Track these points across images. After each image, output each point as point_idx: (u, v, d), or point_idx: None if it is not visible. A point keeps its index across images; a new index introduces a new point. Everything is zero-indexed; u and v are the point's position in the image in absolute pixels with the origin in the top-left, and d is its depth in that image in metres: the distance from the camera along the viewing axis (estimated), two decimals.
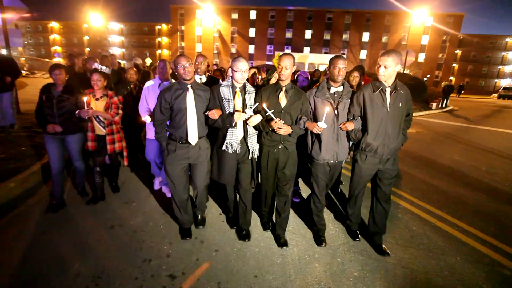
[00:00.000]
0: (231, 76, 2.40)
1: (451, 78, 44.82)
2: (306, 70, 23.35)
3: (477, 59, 48.08)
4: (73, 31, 57.68)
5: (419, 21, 41.47)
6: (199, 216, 2.93)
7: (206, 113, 2.39)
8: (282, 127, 2.24)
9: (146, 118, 3.16)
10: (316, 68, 9.99)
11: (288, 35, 44.83)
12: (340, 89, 2.45)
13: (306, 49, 43.82)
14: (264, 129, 2.40)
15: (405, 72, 12.80)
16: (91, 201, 3.27)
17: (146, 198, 3.49)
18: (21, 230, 2.71)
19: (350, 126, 2.39)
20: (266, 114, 2.30)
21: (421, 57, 43.82)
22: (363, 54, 44.14)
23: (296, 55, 34.02)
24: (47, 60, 36.92)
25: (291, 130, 2.31)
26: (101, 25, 51.62)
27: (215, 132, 2.54)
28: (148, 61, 14.52)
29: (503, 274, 2.39)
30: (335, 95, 2.44)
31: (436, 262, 2.49)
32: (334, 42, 44.15)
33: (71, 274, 2.17)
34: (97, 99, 3.05)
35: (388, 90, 2.30)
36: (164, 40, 56.06)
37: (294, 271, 2.33)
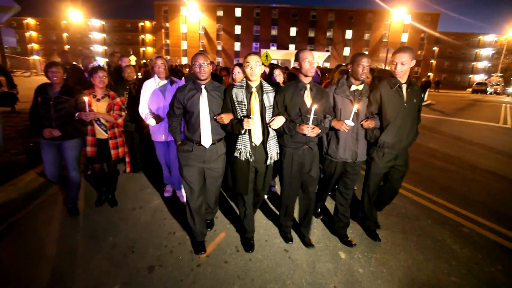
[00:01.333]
0: (245, 76, 2.27)
1: (429, 74, 47.10)
2: (292, 67, 23.76)
3: (453, 56, 50.61)
4: (51, 28, 55.49)
5: (398, 19, 43.17)
6: (208, 220, 2.82)
7: (214, 117, 2.23)
8: (314, 131, 2.12)
9: (151, 121, 2.98)
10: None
11: (274, 32, 45.36)
12: (361, 87, 2.37)
13: (292, 46, 44.52)
14: (290, 132, 2.22)
15: (386, 68, 13.56)
16: (98, 203, 3.17)
17: (159, 188, 3.81)
18: (50, 215, 3.01)
19: (373, 123, 2.32)
20: (307, 116, 2.13)
21: None
22: (346, 51, 45.35)
23: (282, 52, 34.57)
24: (26, 58, 35.51)
25: (320, 131, 2.19)
26: (81, 21, 50.10)
27: (233, 135, 2.36)
28: (133, 58, 14.38)
29: (463, 231, 2.97)
30: (355, 93, 2.36)
31: (411, 225, 3.04)
32: (318, 40, 45.11)
33: (108, 245, 2.53)
34: (98, 100, 2.81)
35: (404, 86, 2.32)
36: (148, 37, 55.06)
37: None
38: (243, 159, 2.25)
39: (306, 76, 2.22)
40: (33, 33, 56.69)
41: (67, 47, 54.96)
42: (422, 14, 44.52)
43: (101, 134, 2.88)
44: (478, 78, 47.77)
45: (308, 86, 2.25)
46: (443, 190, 3.99)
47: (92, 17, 55.25)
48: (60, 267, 2.26)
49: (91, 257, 2.37)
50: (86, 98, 2.56)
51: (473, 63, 51.42)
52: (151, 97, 3.06)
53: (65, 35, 55.10)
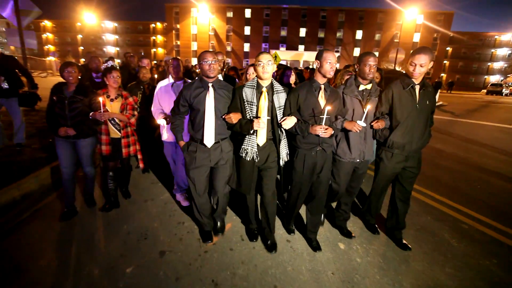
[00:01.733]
0: (256, 76, 2.25)
1: (442, 74, 46.15)
2: (301, 67, 23.82)
3: (467, 56, 49.32)
4: (66, 30, 57.24)
5: (410, 19, 42.47)
6: (218, 223, 2.77)
7: (223, 116, 2.24)
8: (327, 132, 2.10)
9: (161, 121, 3.01)
10: (309, 66, 10.51)
11: (283, 33, 45.39)
12: (369, 86, 2.37)
13: (301, 47, 44.47)
14: (302, 133, 2.20)
15: (396, 69, 13.49)
16: (104, 209, 3.10)
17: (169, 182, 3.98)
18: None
19: (383, 124, 2.31)
20: (320, 117, 2.12)
21: None
22: (356, 52, 44.94)
23: (291, 53, 34.67)
24: (42, 59, 36.84)
25: (333, 132, 2.16)
26: (95, 23, 51.54)
27: (239, 134, 2.35)
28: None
29: (462, 227, 3.04)
30: (364, 93, 2.36)
31: (411, 221, 3.12)
32: (328, 40, 44.87)
33: (123, 233, 2.74)
34: (111, 100, 2.88)
35: (417, 87, 2.29)
36: (159, 38, 56.09)
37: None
38: (249, 159, 2.25)
39: (324, 76, 2.19)
40: (49, 35, 58.64)
41: (81, 48, 56.69)
42: (435, 14, 43.66)
43: (115, 133, 2.95)
44: (494, 79, 46.44)
45: (322, 86, 2.22)
46: (446, 189, 4.05)
47: (105, 19, 56.73)
48: (79, 248, 2.48)
49: (107, 242, 2.59)
50: (100, 99, 2.64)
51: (488, 64, 49.94)
52: (164, 97, 3.09)
53: (79, 36, 56.74)
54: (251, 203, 2.59)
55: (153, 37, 56.42)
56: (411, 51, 2.28)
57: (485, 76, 49.65)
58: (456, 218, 3.23)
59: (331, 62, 2.13)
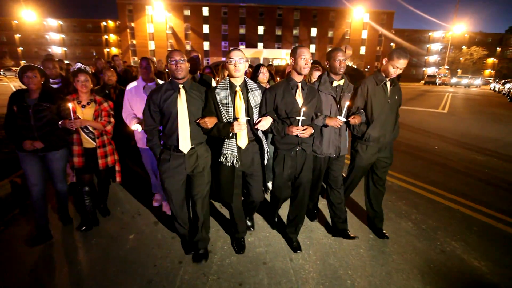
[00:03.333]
0: (228, 75, 2.13)
1: None
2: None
3: (408, 51, 54.94)
4: (0, 28, 51.23)
5: (358, 18, 46.19)
6: (201, 250, 2.38)
7: (197, 121, 2.08)
8: (305, 132, 2.06)
9: (136, 127, 2.74)
10: (270, 63, 11.32)
11: (242, 31, 46.18)
12: (342, 82, 2.41)
13: (260, 45, 45.66)
14: (279, 134, 2.16)
15: (348, 64, 14.95)
16: (82, 227, 2.77)
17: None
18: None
19: (359, 119, 2.37)
20: (297, 119, 2.07)
21: (362, 50, 48.79)
22: (312, 48, 47.49)
23: (251, 50, 35.43)
24: None
25: (313, 131, 2.14)
26: (35, 21, 46.87)
27: (216, 139, 2.21)
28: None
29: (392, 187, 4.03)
30: (337, 89, 2.41)
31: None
32: (285, 38, 46.71)
33: (118, 213, 3.17)
34: (83, 106, 2.58)
35: (388, 83, 2.42)
36: (112, 37, 52.99)
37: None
38: (229, 164, 2.13)
39: (299, 74, 2.14)
40: None
41: (20, 49, 51.18)
42: (379, 13, 48.00)
43: (89, 142, 2.65)
44: (430, 71, 52.59)
45: (299, 84, 2.17)
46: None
47: (47, 17, 51.91)
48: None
49: (106, 220, 2.99)
50: (70, 105, 2.39)
51: (425, 57, 56.43)
52: (136, 100, 2.81)
53: (17, 36, 51.17)
54: (238, 211, 2.38)
55: (105, 36, 53.13)
56: (394, 53, 2.30)
57: (424, 69, 55.98)
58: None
59: (306, 58, 2.08)
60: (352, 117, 2.35)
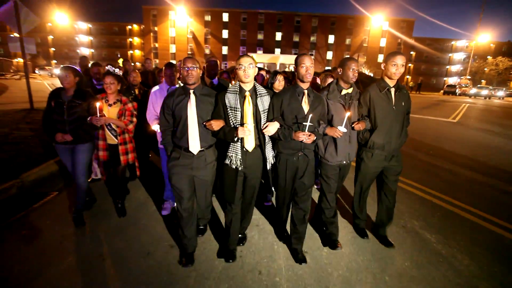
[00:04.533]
0: (238, 80, 2.20)
1: (407, 76, 50.03)
2: (277, 69, 25.19)
3: (428, 60, 53.93)
4: (36, 30, 54.80)
5: (377, 26, 45.98)
6: (200, 225, 2.73)
7: (204, 123, 2.17)
8: (310, 138, 2.10)
9: (156, 127, 2.85)
10: (284, 69, 11.67)
11: (260, 37, 47.18)
12: (350, 90, 2.42)
13: (277, 50, 46.44)
14: (285, 139, 2.19)
15: (364, 71, 15.12)
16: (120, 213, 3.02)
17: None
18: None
19: (363, 125, 2.37)
20: (304, 124, 2.11)
21: (380, 58, 48.36)
22: (329, 55, 47.68)
23: (268, 56, 36.25)
24: (7, 59, 35.16)
25: (316, 138, 2.16)
26: (67, 24, 50.12)
27: (224, 141, 2.27)
28: (121, 61, 14.69)
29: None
30: (346, 97, 2.41)
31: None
32: (302, 44, 47.22)
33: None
34: (110, 105, 2.81)
35: (392, 90, 2.40)
36: (136, 40, 55.60)
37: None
38: (233, 166, 2.21)
39: (302, 81, 2.19)
40: (16, 35, 56.05)
41: (52, 49, 54.80)
42: (399, 21, 47.51)
43: (112, 139, 2.88)
44: (452, 80, 51.16)
45: (306, 91, 2.22)
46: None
47: (78, 20, 55.35)
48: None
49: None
50: (98, 103, 2.60)
51: (447, 67, 55.01)
52: (159, 103, 2.89)
53: (50, 37, 54.86)
54: (236, 215, 2.36)
55: (130, 39, 55.80)
56: (388, 56, 2.38)
57: (445, 78, 54.53)
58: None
59: (306, 66, 2.13)
60: (356, 122, 2.38)
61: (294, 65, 2.26)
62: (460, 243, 2.80)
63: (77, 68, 2.81)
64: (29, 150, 4.54)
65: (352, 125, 2.39)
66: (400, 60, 2.29)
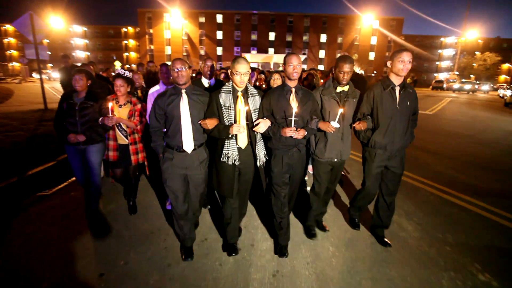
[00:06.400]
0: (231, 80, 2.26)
1: None
2: (271, 69, 26.03)
3: (419, 56, 55.18)
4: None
5: (367, 24, 47.13)
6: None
7: (199, 122, 2.25)
8: (299, 133, 2.16)
9: None
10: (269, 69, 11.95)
11: (254, 37, 48.07)
12: (346, 88, 2.42)
13: (271, 50, 47.35)
14: (274, 136, 2.27)
15: (357, 71, 15.73)
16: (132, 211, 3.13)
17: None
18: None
19: (365, 125, 2.33)
20: (289, 119, 2.18)
21: (371, 56, 49.60)
22: (322, 54, 48.75)
23: (262, 55, 37.04)
24: (3, 63, 35.40)
25: (306, 133, 2.23)
26: (62, 28, 50.44)
27: (215, 139, 2.36)
28: (117, 64, 15.08)
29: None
30: (341, 94, 2.41)
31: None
32: (295, 43, 48.20)
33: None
34: (120, 106, 2.89)
35: (397, 88, 2.34)
36: (131, 42, 56.13)
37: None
38: (231, 163, 2.27)
39: (290, 79, 2.26)
40: (11, 40, 56.38)
41: (48, 53, 55.02)
42: (388, 19, 48.69)
43: (122, 139, 2.94)
44: (442, 76, 52.46)
45: (293, 89, 2.29)
46: None
47: (74, 23, 55.74)
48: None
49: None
50: (110, 104, 2.65)
51: (437, 63, 56.42)
52: None
53: (45, 41, 55.19)
54: (234, 210, 2.43)
55: (125, 41, 56.33)
56: (394, 52, 2.34)
57: (435, 74, 55.90)
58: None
59: (293, 65, 2.19)
60: (358, 122, 2.35)
61: (283, 64, 2.33)
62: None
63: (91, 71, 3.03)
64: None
65: (353, 125, 2.40)
66: (407, 56, 2.26)
